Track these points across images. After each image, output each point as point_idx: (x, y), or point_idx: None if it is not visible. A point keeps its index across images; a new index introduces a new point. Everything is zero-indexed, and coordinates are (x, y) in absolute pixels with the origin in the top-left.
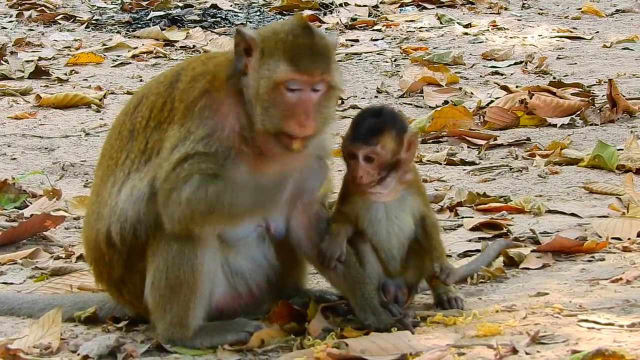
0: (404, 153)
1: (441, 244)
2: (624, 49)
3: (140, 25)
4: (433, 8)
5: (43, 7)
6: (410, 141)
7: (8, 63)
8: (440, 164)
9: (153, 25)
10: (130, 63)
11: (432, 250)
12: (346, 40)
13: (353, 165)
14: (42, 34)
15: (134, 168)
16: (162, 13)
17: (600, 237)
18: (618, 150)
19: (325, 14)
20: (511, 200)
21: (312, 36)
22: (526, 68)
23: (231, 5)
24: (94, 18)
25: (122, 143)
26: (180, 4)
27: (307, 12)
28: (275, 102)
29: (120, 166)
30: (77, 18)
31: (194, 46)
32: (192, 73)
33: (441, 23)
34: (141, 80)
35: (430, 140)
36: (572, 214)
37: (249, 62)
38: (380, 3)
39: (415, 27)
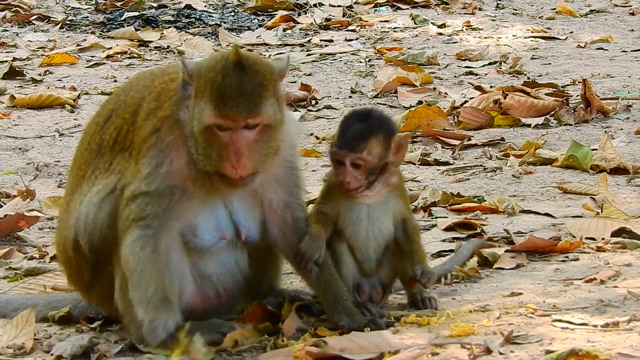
0: (392, 156)
1: (422, 247)
2: (598, 49)
3: (114, 26)
4: (407, 8)
5: (17, 8)
6: (398, 144)
7: None
8: (414, 164)
9: (127, 26)
10: (104, 63)
11: (413, 253)
12: (320, 40)
13: (341, 171)
14: (17, 35)
15: (97, 183)
16: (136, 13)
17: (574, 237)
18: (592, 150)
19: (299, 14)
20: (485, 200)
21: (242, 74)
22: (500, 68)
23: (205, 6)
24: (68, 19)
25: (91, 156)
26: (155, 5)
27: (281, 13)
28: (209, 142)
29: (87, 179)
30: (52, 19)
31: (168, 46)
32: (147, 108)
33: (415, 23)
34: (115, 81)
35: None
36: (546, 214)
37: (191, 94)
38: (355, 3)
39: (389, 28)
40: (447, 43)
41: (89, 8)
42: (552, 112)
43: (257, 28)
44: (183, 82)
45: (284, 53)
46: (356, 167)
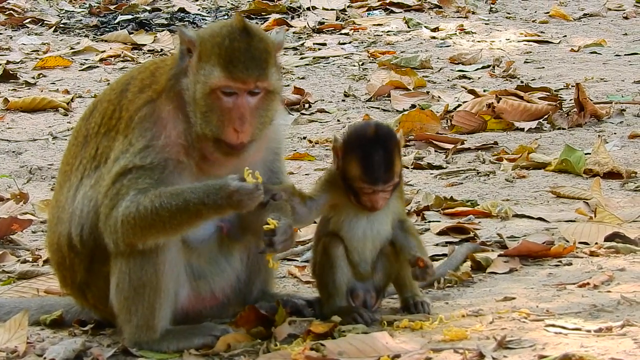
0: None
1: (422, 241)
2: (591, 53)
3: (108, 29)
4: (401, 12)
5: (11, 11)
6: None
7: None
8: (408, 167)
9: (121, 29)
10: (98, 67)
11: (414, 247)
12: (314, 44)
13: (369, 198)
14: (10, 38)
15: (86, 174)
16: (130, 17)
17: (567, 241)
18: (585, 154)
19: (293, 18)
20: (478, 205)
21: (249, 39)
22: (494, 72)
23: (199, 9)
24: (62, 22)
25: (77, 149)
26: (148, 8)
27: (275, 16)
28: (211, 107)
29: (74, 172)
30: (45, 22)
31: (161, 50)
32: (140, 84)
33: (409, 27)
34: (109, 84)
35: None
36: (540, 218)
37: (189, 64)
38: (348, 7)
39: (382, 31)
40: (441, 47)
41: (83, 11)
42: (546, 116)
43: None
44: (181, 52)
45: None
46: (386, 190)
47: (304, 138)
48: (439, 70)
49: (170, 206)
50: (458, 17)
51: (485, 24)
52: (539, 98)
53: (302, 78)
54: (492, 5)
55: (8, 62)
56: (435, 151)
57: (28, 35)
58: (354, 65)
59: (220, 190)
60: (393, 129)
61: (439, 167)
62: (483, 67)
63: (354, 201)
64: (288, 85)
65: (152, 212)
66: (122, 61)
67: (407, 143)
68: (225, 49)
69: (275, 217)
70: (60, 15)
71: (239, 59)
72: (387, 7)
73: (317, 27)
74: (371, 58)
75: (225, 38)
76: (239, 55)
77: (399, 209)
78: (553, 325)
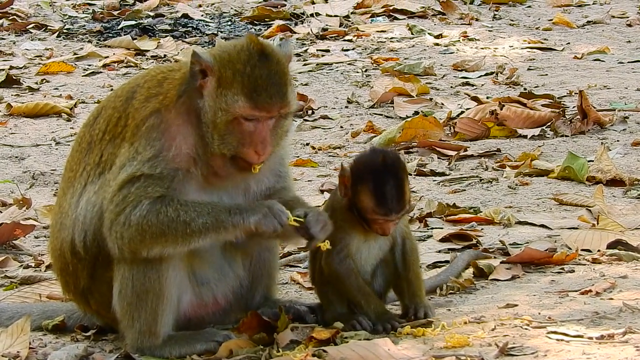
0: None
1: (419, 275)
2: (594, 60)
3: (111, 35)
4: (404, 19)
5: (14, 16)
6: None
7: None
8: (410, 174)
9: (124, 35)
10: (101, 72)
11: (409, 283)
12: (317, 50)
13: (381, 225)
14: (13, 43)
15: (90, 180)
16: (133, 22)
17: (570, 248)
18: (588, 161)
19: (296, 24)
20: (481, 212)
21: (268, 64)
22: (497, 79)
23: (202, 15)
24: (65, 27)
25: (81, 155)
26: (152, 14)
27: (278, 22)
28: (232, 132)
29: (78, 178)
30: (49, 27)
31: (165, 56)
32: (146, 93)
33: (412, 34)
34: (112, 90)
35: (401, 151)
36: (542, 226)
37: (204, 84)
38: (352, 13)
39: (386, 38)
40: (444, 53)
41: (86, 17)
42: (549, 124)
43: None
44: (192, 71)
45: None
46: (399, 219)
47: (307, 144)
48: (442, 77)
49: (195, 220)
50: (461, 24)
51: (489, 31)
52: (542, 105)
53: (306, 84)
54: (496, 13)
55: (11, 68)
56: (438, 158)
57: (31, 40)
58: (357, 72)
59: (257, 211)
60: (399, 154)
61: (442, 174)
62: (486, 74)
63: (364, 227)
64: None
65: (173, 221)
66: (125, 67)
67: (410, 150)
68: (247, 78)
69: (298, 212)
70: (64, 20)
71: (262, 88)
72: (391, 13)
73: (321, 33)
74: (374, 65)
75: (246, 65)
76: (262, 84)
77: (403, 226)
78: (555, 333)
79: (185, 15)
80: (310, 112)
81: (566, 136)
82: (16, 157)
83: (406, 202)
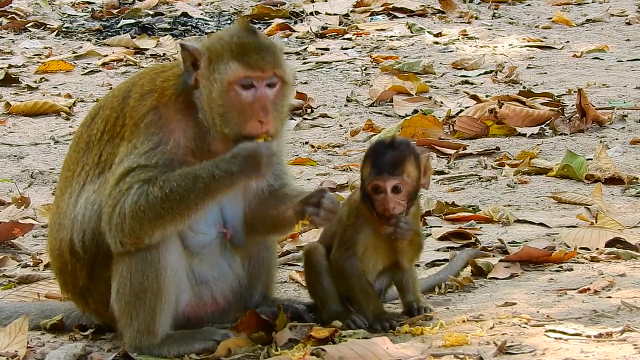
0: (423, 178)
1: (416, 278)
2: (594, 58)
3: (110, 33)
4: (404, 17)
5: (13, 15)
6: (425, 166)
7: None
8: None
9: (123, 33)
10: (100, 71)
11: (407, 282)
12: (316, 48)
13: (381, 200)
14: (12, 42)
15: (89, 180)
16: (132, 21)
17: (568, 247)
18: (587, 160)
19: (295, 23)
20: (480, 210)
21: (256, 35)
22: (496, 77)
23: (202, 14)
24: (64, 26)
25: (79, 155)
26: (151, 12)
27: (278, 21)
28: (231, 105)
29: (76, 178)
30: (48, 26)
31: (164, 54)
32: (140, 90)
33: (411, 32)
34: (111, 88)
35: None
36: (541, 224)
37: (198, 76)
38: (351, 12)
39: (385, 36)
40: (443, 52)
41: (85, 15)
42: (548, 122)
43: None
44: (186, 69)
45: None
46: (397, 191)
47: (306, 143)
48: (441, 76)
49: (180, 187)
50: (461, 23)
51: (488, 29)
52: (541, 104)
53: (305, 83)
54: (495, 11)
55: (10, 66)
56: (438, 156)
57: (30, 39)
58: (357, 70)
59: (236, 156)
60: (413, 142)
61: (441, 173)
62: (485, 73)
63: (373, 215)
64: None
65: (162, 199)
66: (124, 65)
67: None
68: (236, 45)
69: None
70: (63, 19)
71: (253, 50)
72: (390, 12)
73: (320, 32)
74: (374, 63)
75: (234, 36)
76: (252, 47)
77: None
78: (553, 331)
79: (184, 14)
80: (309, 110)
81: (565, 134)
82: (15, 156)
83: (403, 171)
